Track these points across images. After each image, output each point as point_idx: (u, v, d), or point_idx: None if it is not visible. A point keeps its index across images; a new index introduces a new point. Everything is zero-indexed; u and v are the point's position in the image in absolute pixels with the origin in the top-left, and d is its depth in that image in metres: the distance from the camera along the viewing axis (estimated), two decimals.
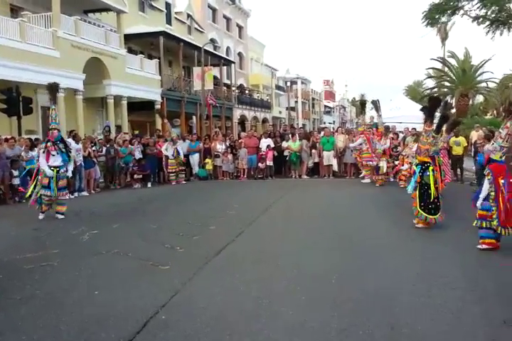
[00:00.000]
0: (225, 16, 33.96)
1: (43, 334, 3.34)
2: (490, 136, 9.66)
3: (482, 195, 5.51)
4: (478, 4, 18.61)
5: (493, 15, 18.77)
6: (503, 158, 5.48)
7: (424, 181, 6.72)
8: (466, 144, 13.37)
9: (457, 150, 12.79)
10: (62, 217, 8.06)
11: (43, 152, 8.06)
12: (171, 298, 3.95)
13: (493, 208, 5.39)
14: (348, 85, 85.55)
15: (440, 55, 32.30)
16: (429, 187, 6.64)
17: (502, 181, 5.37)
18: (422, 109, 7.36)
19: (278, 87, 46.70)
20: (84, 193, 11.52)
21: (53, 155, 8.03)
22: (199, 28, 29.61)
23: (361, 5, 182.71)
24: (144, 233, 6.69)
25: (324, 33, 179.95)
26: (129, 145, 13.44)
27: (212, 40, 30.07)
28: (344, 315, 3.56)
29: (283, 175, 15.55)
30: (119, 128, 18.69)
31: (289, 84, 50.51)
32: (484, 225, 5.45)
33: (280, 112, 45.32)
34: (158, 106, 21.22)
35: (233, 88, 32.86)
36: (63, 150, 8.11)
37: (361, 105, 14.25)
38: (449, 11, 19.59)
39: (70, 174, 8.57)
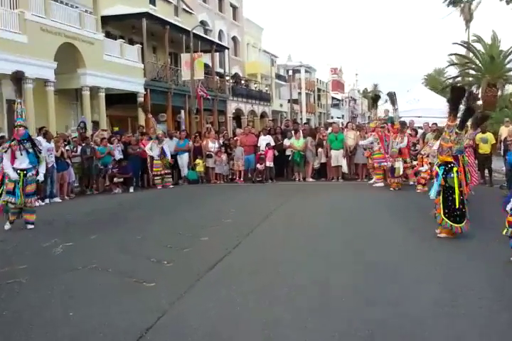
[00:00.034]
0: None
1: None
2: None
3: None
4: None
5: None
6: None
7: (448, 184, 6.74)
8: (495, 141, 13.38)
9: (484, 149, 12.83)
10: (32, 227, 8.05)
11: (6, 152, 8.05)
12: (158, 320, 3.96)
13: None
14: (358, 74, 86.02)
15: (464, 39, 32.51)
16: (454, 192, 6.67)
17: None
18: (448, 101, 7.33)
19: (278, 77, 46.83)
20: (57, 199, 11.53)
21: (19, 157, 8.02)
22: (187, 9, 29.68)
23: None
24: (125, 245, 6.69)
25: (331, 13, 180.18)
26: (108, 144, 13.46)
27: (203, 23, 30.13)
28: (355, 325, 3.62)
29: (285, 177, 15.61)
30: (96, 124, 18.69)
31: (291, 73, 50.67)
32: None
33: (281, 105, 45.46)
34: (141, 99, 21.26)
35: (227, 78, 32.94)
36: (30, 150, 8.10)
37: (373, 101, 14.25)
38: None
39: (41, 178, 8.59)
